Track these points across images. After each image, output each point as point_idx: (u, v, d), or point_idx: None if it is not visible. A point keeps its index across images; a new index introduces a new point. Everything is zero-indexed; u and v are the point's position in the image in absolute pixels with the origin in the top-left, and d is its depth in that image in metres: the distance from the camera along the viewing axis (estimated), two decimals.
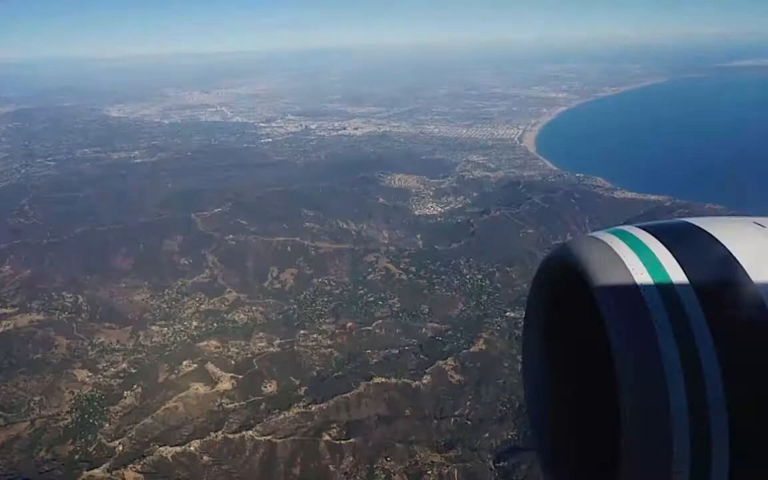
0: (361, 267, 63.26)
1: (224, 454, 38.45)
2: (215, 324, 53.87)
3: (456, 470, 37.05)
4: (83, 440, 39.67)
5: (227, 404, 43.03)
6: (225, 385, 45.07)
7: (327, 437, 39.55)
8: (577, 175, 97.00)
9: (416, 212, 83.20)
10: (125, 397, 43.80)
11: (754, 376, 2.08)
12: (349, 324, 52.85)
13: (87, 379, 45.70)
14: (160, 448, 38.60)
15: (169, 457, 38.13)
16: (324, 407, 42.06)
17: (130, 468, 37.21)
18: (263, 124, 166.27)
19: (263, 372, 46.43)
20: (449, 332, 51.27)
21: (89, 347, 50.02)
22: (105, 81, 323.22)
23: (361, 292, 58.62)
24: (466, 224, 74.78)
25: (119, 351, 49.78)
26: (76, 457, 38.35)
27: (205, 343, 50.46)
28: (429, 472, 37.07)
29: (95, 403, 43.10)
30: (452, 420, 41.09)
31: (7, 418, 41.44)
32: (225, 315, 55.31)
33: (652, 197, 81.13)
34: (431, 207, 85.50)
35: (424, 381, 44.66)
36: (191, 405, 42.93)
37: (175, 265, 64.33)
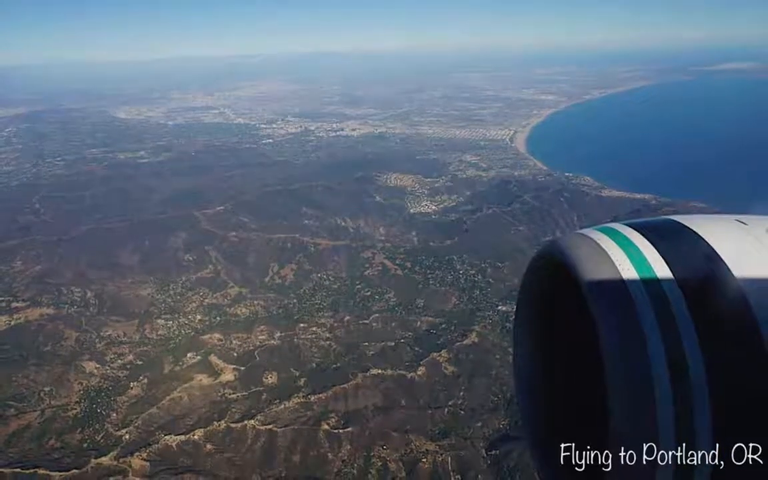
0: (359, 263, 64.15)
1: (227, 443, 39.20)
2: (218, 318, 54.68)
3: (450, 458, 37.72)
4: (91, 429, 40.42)
5: (230, 395, 43.83)
6: (227, 376, 45.84)
7: (326, 426, 40.33)
8: (566, 174, 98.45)
9: (411, 210, 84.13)
10: (132, 388, 44.58)
11: (737, 367, 2.13)
12: (347, 318, 53.63)
13: (95, 371, 46.53)
14: (165, 437, 39.41)
15: (174, 446, 38.95)
16: (323, 397, 42.82)
17: (137, 456, 37.97)
18: (264, 126, 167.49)
19: (264, 364, 47.25)
20: (443, 325, 52.04)
21: (97, 340, 50.75)
22: (112, 84, 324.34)
23: (359, 286, 59.51)
24: (460, 222, 76.10)
25: (126, 343, 50.54)
26: (85, 445, 39.12)
27: (208, 336, 51.32)
28: (424, 459, 37.73)
29: (103, 394, 43.90)
30: (446, 410, 41.85)
31: (18, 407, 42.10)
32: (227, 309, 56.16)
33: (639, 196, 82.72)
34: (426, 205, 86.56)
35: (419, 372, 45.49)
36: (195, 395, 43.72)
37: (180, 261, 65.21)
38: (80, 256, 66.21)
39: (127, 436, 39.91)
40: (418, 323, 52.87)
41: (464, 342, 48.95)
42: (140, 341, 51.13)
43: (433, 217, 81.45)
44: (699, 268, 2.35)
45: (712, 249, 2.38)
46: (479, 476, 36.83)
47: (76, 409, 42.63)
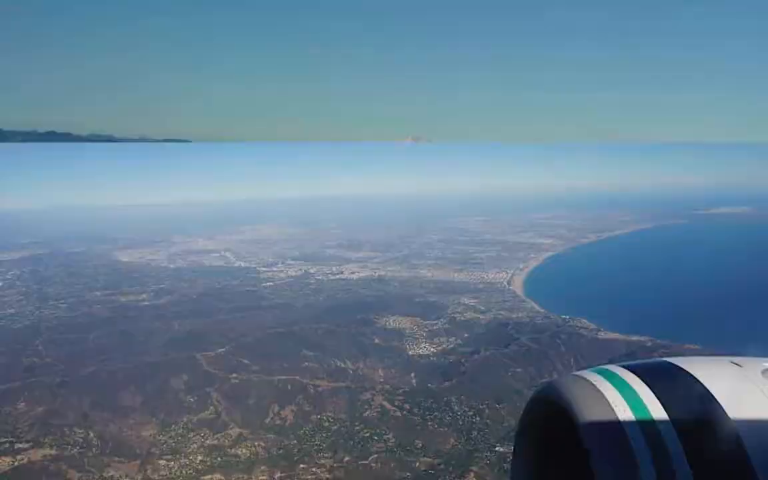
0: (358, 404, 64.79)
1: None
2: (219, 458, 54.66)
3: None
4: None
5: None
6: None
7: None
8: (563, 316, 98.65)
9: (410, 352, 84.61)
10: None
11: None
12: (347, 458, 53.91)
13: None
14: None
15: None
16: None
17: None
18: (264, 269, 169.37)
19: None
20: (441, 466, 52.30)
21: None
22: (115, 227, 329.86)
23: (358, 427, 59.93)
24: (458, 363, 76.71)
25: None
26: None
27: (209, 476, 51.26)
28: None
29: None
30: None
31: None
32: (228, 450, 56.25)
33: (634, 338, 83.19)
34: (424, 347, 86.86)
35: None
36: None
37: (181, 402, 65.69)
38: (83, 397, 66.66)
39: None
40: (417, 464, 53.22)
41: None
42: None
43: (432, 358, 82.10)
44: (693, 408, 2.41)
45: (707, 390, 2.44)
46: None
47: None
